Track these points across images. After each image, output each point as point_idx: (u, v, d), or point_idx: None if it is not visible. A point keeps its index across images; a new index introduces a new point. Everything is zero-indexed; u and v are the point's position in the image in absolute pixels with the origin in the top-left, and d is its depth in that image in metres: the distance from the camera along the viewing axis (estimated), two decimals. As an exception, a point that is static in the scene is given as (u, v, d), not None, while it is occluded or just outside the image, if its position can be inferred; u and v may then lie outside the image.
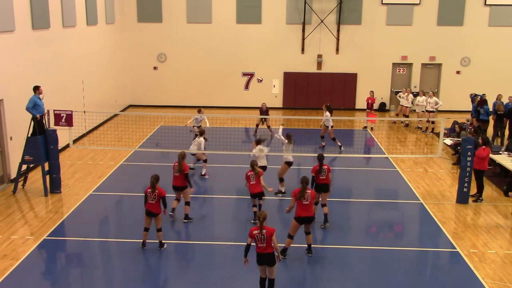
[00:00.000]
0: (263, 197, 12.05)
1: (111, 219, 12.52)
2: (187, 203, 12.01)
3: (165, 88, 25.83)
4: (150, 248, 10.64)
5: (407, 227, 11.97)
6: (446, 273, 9.93)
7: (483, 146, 13.26)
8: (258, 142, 13.70)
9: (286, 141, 13.62)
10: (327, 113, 17.55)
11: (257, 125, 20.00)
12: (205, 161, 15.16)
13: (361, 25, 25.10)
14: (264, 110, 19.70)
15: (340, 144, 17.71)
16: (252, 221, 11.86)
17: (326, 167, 11.53)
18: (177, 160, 11.83)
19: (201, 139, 14.83)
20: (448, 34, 24.96)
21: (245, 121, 21.99)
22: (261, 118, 19.90)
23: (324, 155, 11.91)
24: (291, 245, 10.15)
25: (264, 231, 8.27)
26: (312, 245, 10.30)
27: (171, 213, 12.02)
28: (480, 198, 13.51)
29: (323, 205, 11.72)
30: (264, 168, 12.97)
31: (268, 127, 19.81)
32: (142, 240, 10.58)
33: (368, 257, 10.38)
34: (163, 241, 10.59)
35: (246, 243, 8.47)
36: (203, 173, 15.12)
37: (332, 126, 17.71)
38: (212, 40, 25.29)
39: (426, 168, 16.48)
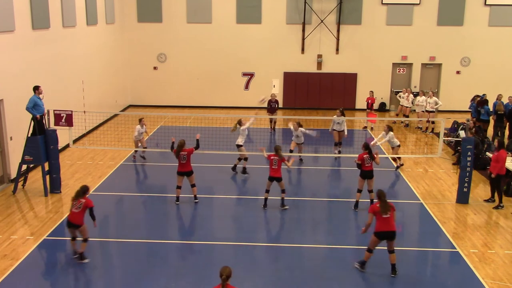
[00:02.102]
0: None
1: (111, 219, 12.52)
2: (194, 185, 12.88)
3: (165, 88, 25.83)
4: (150, 249, 10.65)
5: (407, 227, 11.96)
6: (446, 273, 9.93)
7: (502, 149, 12.82)
8: (300, 125, 15.84)
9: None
10: (342, 117, 16.95)
11: (272, 124, 20.80)
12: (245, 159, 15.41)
13: (361, 25, 25.10)
14: (273, 102, 20.33)
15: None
16: (263, 207, 12.64)
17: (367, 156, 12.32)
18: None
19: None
20: (448, 34, 24.96)
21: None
22: (270, 119, 20.67)
23: (325, 155, 11.92)
24: (291, 244, 10.14)
25: None
26: (308, 246, 10.28)
27: (178, 203, 12.87)
28: (501, 205, 13.08)
29: (370, 191, 12.54)
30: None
31: (274, 122, 20.71)
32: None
33: (368, 257, 10.37)
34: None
35: None
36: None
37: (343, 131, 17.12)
38: (212, 40, 25.29)
39: (426, 168, 16.48)
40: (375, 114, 22.26)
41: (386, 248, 9.52)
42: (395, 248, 9.52)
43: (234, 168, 15.45)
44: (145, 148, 16.61)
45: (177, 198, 12.84)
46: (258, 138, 18.69)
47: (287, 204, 12.71)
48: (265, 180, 12.51)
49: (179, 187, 12.77)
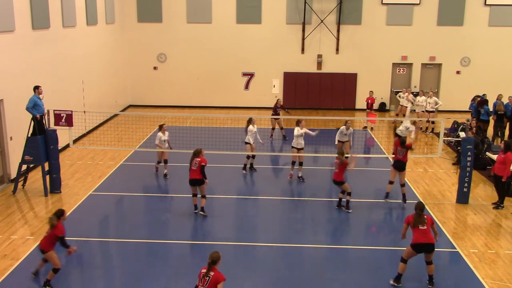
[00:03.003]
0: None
1: (111, 219, 12.52)
2: (204, 196, 12.23)
3: (165, 88, 25.83)
4: (150, 249, 10.65)
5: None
6: (446, 273, 9.93)
7: (509, 152, 12.68)
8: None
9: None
10: (351, 130, 16.02)
11: (273, 128, 19.63)
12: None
13: (361, 25, 25.10)
14: (279, 107, 19.23)
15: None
16: (336, 207, 12.76)
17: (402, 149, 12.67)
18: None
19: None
20: (448, 34, 24.96)
21: (245, 121, 21.88)
22: (274, 119, 19.42)
23: (325, 155, 11.91)
24: (291, 245, 10.14)
25: (212, 273, 7.04)
26: (308, 246, 10.26)
27: (197, 211, 12.34)
28: (501, 205, 13.10)
29: (402, 185, 12.90)
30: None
31: (281, 128, 19.47)
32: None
33: (368, 257, 10.38)
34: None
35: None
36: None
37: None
38: (212, 40, 25.29)
39: (426, 168, 16.48)
40: (375, 114, 22.26)
41: (383, 247, 9.50)
42: (394, 247, 9.51)
43: (244, 168, 15.56)
44: (166, 162, 15.01)
45: (195, 206, 12.31)
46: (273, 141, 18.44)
47: (288, 204, 12.69)
48: (264, 180, 12.49)
49: (194, 195, 12.27)
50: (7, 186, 14.07)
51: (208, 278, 7.02)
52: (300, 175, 14.87)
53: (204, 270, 7.14)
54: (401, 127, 16.52)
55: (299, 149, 14.71)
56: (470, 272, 9.81)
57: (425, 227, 8.93)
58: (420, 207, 9.15)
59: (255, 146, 15.62)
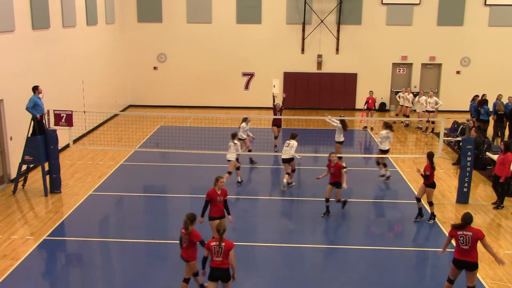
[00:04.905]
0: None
1: (111, 219, 12.52)
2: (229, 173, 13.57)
3: (165, 88, 25.83)
4: (150, 249, 10.65)
5: (407, 227, 11.96)
6: (446, 273, 9.91)
7: (509, 152, 12.64)
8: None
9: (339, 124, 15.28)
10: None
11: (276, 137, 18.14)
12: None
13: (361, 25, 25.10)
14: (278, 110, 17.75)
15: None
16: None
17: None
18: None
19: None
20: (448, 34, 24.96)
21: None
22: (276, 128, 18.08)
23: (325, 155, 11.86)
24: (291, 245, 10.11)
25: (223, 244, 7.75)
26: (308, 246, 10.25)
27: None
28: (501, 205, 13.08)
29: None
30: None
31: (276, 137, 18.23)
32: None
33: (368, 257, 10.38)
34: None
35: (204, 256, 7.93)
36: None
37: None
38: (212, 40, 25.29)
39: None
40: (364, 114, 22.17)
41: (383, 247, 9.47)
42: (394, 247, 9.46)
43: (251, 161, 16.33)
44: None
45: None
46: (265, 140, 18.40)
47: (287, 202, 12.66)
48: (264, 180, 12.47)
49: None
50: (7, 186, 14.06)
51: (221, 248, 7.73)
52: (290, 181, 14.33)
53: (214, 243, 7.76)
54: (379, 138, 15.49)
55: (287, 160, 14.07)
56: (470, 272, 9.79)
57: (467, 247, 8.20)
58: (465, 218, 8.37)
59: (249, 141, 15.99)
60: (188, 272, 8.47)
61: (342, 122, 15.53)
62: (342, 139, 15.71)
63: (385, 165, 15.19)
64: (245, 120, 16.02)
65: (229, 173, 13.97)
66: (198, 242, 8.22)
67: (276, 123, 18.12)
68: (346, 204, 12.62)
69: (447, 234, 11.38)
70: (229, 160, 14.12)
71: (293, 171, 14.40)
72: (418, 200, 12.20)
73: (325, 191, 12.40)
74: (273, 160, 17.21)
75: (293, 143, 13.95)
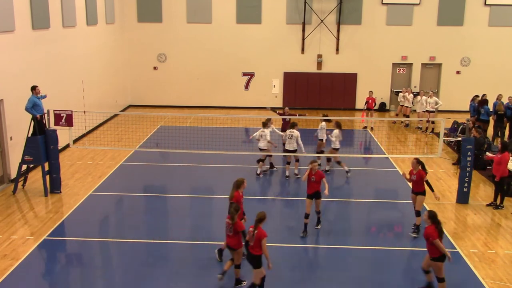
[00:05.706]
0: None
1: (111, 219, 12.52)
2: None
3: (165, 88, 25.83)
4: (150, 249, 10.64)
5: (407, 227, 11.95)
6: (446, 273, 9.91)
7: (506, 152, 12.66)
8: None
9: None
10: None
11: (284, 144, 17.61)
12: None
13: (361, 25, 25.10)
14: (287, 114, 17.25)
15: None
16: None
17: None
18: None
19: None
20: (448, 34, 24.96)
21: (245, 121, 21.99)
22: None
23: (325, 155, 11.82)
24: (291, 245, 10.09)
25: (256, 231, 8.36)
26: (308, 246, 10.24)
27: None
28: (501, 205, 13.06)
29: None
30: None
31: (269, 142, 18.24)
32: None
33: (368, 257, 10.38)
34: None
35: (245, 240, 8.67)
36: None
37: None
38: (212, 40, 25.29)
39: (426, 168, 16.41)
40: (364, 114, 22.18)
41: (383, 247, 9.47)
42: (394, 247, 9.45)
43: (272, 166, 15.69)
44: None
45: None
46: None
47: (283, 205, 12.65)
48: (264, 180, 12.47)
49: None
50: (7, 186, 14.06)
51: (253, 234, 8.28)
52: (296, 172, 14.96)
53: (251, 229, 8.35)
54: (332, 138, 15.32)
55: (291, 151, 14.64)
56: (470, 272, 9.82)
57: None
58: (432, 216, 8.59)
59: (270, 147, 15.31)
60: (238, 259, 9.06)
61: (328, 120, 15.66)
62: (338, 146, 15.28)
63: (339, 163, 15.27)
64: (266, 123, 15.15)
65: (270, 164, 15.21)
66: (241, 232, 8.93)
67: (286, 128, 17.44)
68: (321, 223, 11.64)
69: (447, 234, 11.43)
70: (262, 149, 14.83)
71: (297, 160, 15.03)
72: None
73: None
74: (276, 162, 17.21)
75: (296, 133, 14.51)
